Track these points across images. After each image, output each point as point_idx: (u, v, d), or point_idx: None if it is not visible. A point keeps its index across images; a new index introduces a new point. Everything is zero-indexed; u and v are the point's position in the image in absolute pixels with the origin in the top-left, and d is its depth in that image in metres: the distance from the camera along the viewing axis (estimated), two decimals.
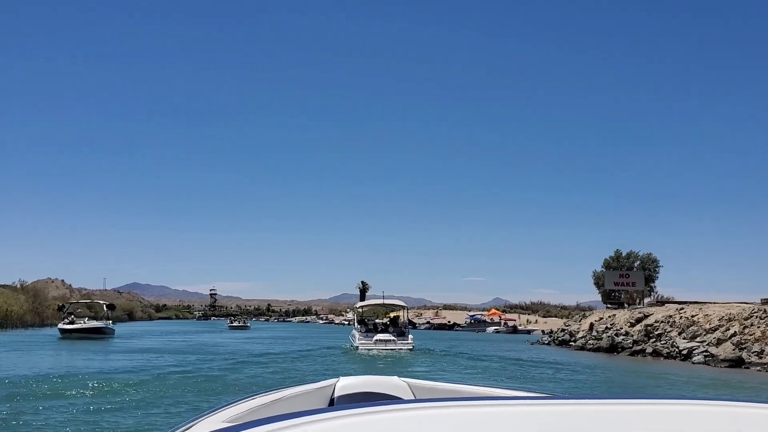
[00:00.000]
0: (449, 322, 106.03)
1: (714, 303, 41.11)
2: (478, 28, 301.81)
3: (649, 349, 37.55)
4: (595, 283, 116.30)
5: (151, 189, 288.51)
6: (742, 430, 1.05)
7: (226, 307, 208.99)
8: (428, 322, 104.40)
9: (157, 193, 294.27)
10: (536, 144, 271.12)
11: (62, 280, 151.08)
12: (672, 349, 36.18)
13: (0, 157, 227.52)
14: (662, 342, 37.71)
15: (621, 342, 40.22)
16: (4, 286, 70.12)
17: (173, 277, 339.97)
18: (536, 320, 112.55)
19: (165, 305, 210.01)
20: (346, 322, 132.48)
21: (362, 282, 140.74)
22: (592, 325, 46.54)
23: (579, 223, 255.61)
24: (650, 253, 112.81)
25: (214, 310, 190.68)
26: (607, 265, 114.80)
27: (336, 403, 2.33)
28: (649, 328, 39.70)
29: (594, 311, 55.06)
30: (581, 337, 46.16)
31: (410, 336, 34.83)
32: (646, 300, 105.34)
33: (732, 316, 35.26)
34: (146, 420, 11.35)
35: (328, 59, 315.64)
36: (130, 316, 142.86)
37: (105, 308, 52.34)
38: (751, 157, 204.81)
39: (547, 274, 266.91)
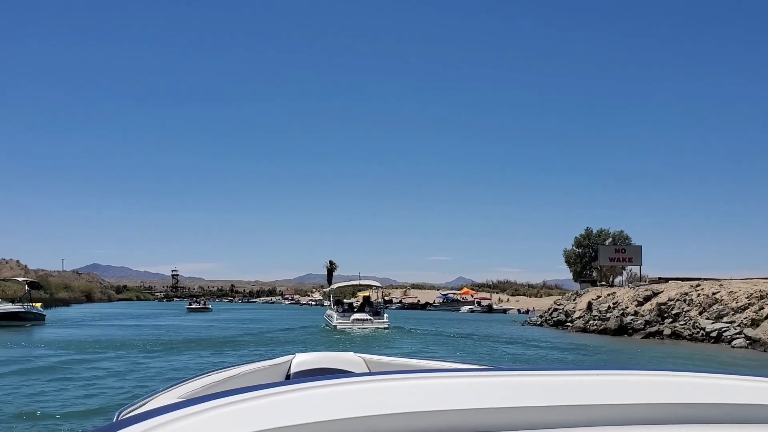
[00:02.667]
0: (419, 301, 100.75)
1: (730, 279, 36.23)
2: (455, 7, 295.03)
3: (667, 331, 32.41)
4: (566, 261, 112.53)
5: (111, 169, 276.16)
6: (673, 398, 1.07)
7: (189, 288, 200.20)
8: (400, 302, 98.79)
9: (117, 173, 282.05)
10: (501, 123, 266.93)
11: (17, 261, 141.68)
12: (695, 331, 31.13)
13: None
14: (681, 323, 32.60)
15: (630, 323, 35.01)
16: None
17: (135, 258, 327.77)
18: (507, 299, 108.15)
19: (126, 286, 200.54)
20: (313, 303, 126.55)
21: (330, 261, 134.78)
22: (590, 304, 41.30)
23: (541, 203, 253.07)
24: (622, 231, 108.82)
25: (176, 291, 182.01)
26: (578, 243, 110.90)
27: (292, 379, 2.24)
28: (662, 307, 34.55)
29: (590, 289, 49.60)
30: (578, 318, 40.98)
31: (386, 315, 34.63)
32: (618, 278, 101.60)
33: (764, 293, 30.25)
34: None
35: (297, 40, 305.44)
36: (89, 298, 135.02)
37: (26, 287, 40.84)
38: (721, 137, 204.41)
39: (509, 252, 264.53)
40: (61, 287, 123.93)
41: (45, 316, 38.02)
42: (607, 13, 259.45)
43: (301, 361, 2.51)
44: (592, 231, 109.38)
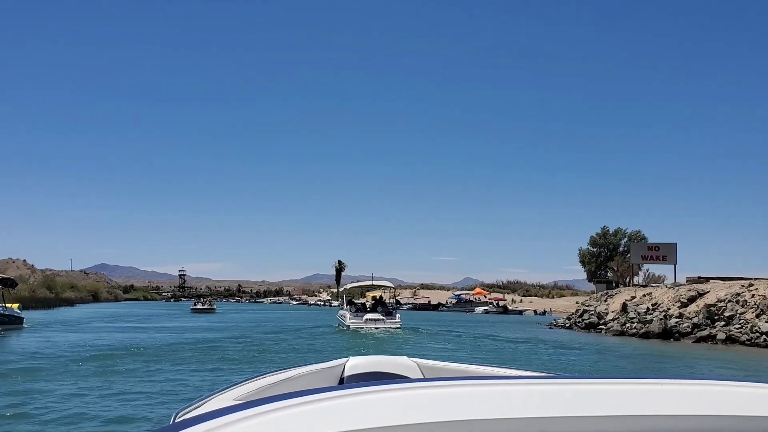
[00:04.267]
0: (430, 302, 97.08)
1: None
2: (458, 5, 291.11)
3: (721, 335, 28.74)
4: (580, 261, 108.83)
5: (119, 169, 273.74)
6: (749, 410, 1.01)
7: (196, 288, 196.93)
8: (412, 303, 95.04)
9: (126, 174, 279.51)
10: (506, 124, 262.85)
11: (24, 260, 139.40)
12: (754, 335, 27.54)
13: None
14: (736, 326, 28.93)
15: (676, 326, 31.35)
16: None
17: (142, 257, 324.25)
18: (521, 300, 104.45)
19: (133, 286, 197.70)
20: (322, 303, 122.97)
21: (338, 261, 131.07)
22: (625, 306, 37.61)
23: (547, 204, 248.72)
24: (639, 231, 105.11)
25: (183, 291, 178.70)
26: (594, 242, 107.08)
27: (346, 382, 2.31)
28: (711, 309, 30.86)
29: (622, 290, 45.65)
30: (612, 320, 37.34)
31: (398, 315, 34.59)
32: (635, 279, 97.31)
33: None
34: None
35: (302, 39, 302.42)
36: (95, 298, 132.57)
37: None
38: (727, 137, 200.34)
39: (515, 253, 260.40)
40: (67, 287, 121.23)
41: (23, 318, 33.00)
42: (627, 13, 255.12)
43: (355, 364, 2.44)
44: (608, 230, 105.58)
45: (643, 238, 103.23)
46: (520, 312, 79.28)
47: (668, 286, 38.63)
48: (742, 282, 32.70)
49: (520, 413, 0.96)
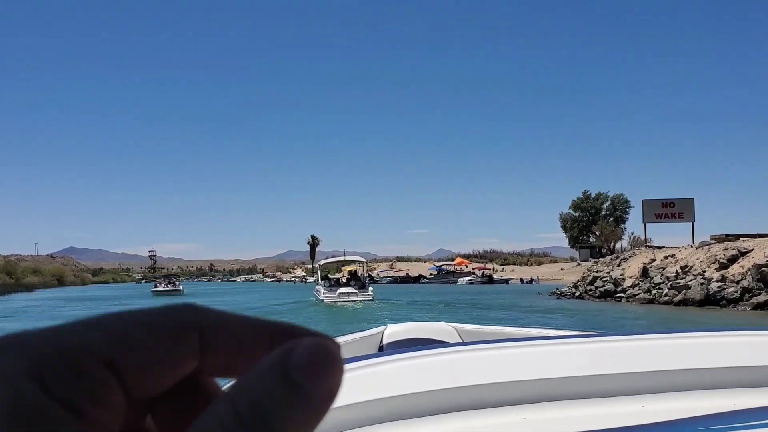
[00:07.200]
0: (408, 273, 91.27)
1: None
2: None
3: None
4: (562, 226, 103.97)
5: (87, 150, 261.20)
6: None
7: (167, 269, 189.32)
8: (392, 276, 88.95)
9: (93, 155, 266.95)
10: (478, 93, 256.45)
11: None
12: None
13: None
14: None
15: (720, 291, 25.68)
16: None
17: (112, 240, 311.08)
18: (502, 269, 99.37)
19: (102, 269, 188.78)
20: (297, 279, 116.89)
21: (312, 236, 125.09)
22: (645, 270, 31.86)
23: (518, 172, 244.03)
24: (621, 194, 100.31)
25: (154, 272, 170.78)
26: (575, 206, 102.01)
27: (385, 349, 2.33)
28: (764, 269, 25.19)
29: (637, 252, 39.73)
30: (632, 286, 31.65)
31: (370, 288, 35.11)
32: (619, 243, 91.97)
33: None
34: None
35: (272, 18, 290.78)
36: (60, 282, 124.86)
37: None
38: (700, 100, 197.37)
39: (486, 222, 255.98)
40: (29, 271, 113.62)
41: None
42: None
43: (393, 331, 2.41)
44: (590, 194, 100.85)
45: (626, 201, 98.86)
46: (506, 281, 73.79)
47: (696, 246, 32.85)
48: None
49: (562, 373, 0.91)
